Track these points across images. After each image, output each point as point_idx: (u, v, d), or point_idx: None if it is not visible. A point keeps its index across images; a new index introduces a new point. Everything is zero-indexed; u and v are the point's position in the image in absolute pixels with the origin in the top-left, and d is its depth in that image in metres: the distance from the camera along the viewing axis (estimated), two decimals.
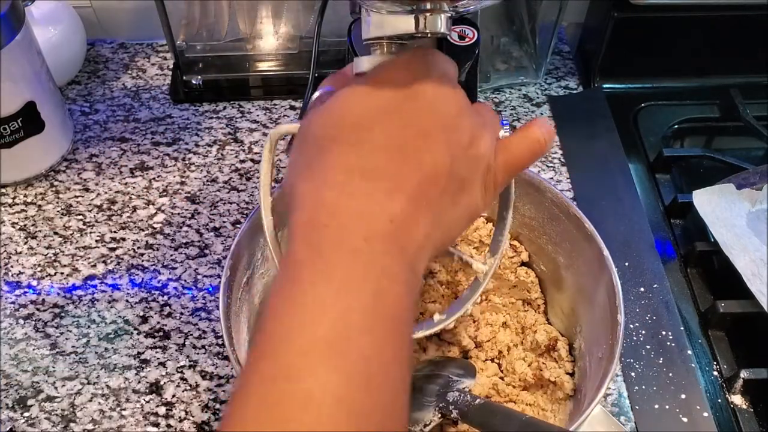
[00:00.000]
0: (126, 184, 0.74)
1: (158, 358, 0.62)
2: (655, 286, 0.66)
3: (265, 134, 0.79)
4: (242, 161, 0.76)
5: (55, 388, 0.60)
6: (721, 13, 0.81)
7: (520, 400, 0.54)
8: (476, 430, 0.48)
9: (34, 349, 0.62)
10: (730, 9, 0.81)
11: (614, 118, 0.82)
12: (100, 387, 0.60)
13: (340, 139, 0.35)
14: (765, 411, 0.60)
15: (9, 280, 0.66)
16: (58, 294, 0.66)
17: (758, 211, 0.69)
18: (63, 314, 0.64)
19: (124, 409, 0.58)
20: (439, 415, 0.48)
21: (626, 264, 0.68)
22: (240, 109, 0.82)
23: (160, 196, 0.73)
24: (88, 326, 0.63)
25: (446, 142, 0.35)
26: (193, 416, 0.58)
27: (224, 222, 0.71)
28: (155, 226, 0.71)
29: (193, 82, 0.83)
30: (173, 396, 0.59)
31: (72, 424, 0.58)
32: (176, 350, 0.62)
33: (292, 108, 0.82)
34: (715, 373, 0.62)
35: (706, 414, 0.58)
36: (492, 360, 0.57)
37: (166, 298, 0.65)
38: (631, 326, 0.64)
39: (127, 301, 0.65)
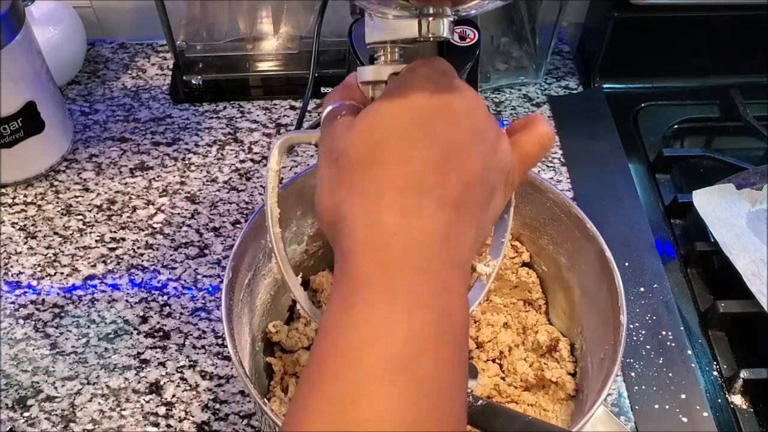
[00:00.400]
0: (126, 184, 0.74)
1: (158, 358, 0.61)
2: (655, 286, 0.66)
3: (265, 134, 0.79)
4: (242, 161, 0.76)
5: (55, 388, 0.60)
6: (721, 13, 0.81)
7: (521, 401, 0.54)
8: (478, 431, 0.48)
9: (34, 349, 0.62)
10: (730, 9, 0.81)
11: (614, 118, 0.82)
12: (100, 387, 0.60)
13: (383, 159, 0.34)
14: (765, 411, 0.60)
15: (9, 280, 0.66)
16: (58, 294, 0.65)
17: (758, 211, 0.69)
18: (63, 314, 0.64)
19: (124, 409, 0.58)
20: None
21: (626, 264, 0.68)
22: (240, 109, 0.82)
23: (160, 196, 0.73)
24: (88, 326, 0.63)
25: (479, 150, 0.36)
26: (193, 416, 0.58)
27: (224, 222, 0.71)
28: (155, 226, 0.71)
29: (193, 82, 0.83)
30: (173, 396, 0.59)
31: (72, 424, 0.58)
32: (176, 350, 0.62)
33: (292, 108, 0.82)
34: (715, 373, 0.62)
35: (706, 414, 0.59)
36: (493, 360, 0.57)
37: (166, 298, 0.65)
38: (631, 326, 0.64)
39: (127, 301, 0.65)
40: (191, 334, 0.63)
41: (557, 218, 0.55)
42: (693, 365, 0.61)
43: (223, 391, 0.60)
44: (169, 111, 0.81)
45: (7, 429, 0.57)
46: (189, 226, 0.71)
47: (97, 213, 0.72)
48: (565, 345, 0.56)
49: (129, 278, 0.67)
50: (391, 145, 0.34)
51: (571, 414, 0.52)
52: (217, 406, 0.59)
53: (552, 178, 0.76)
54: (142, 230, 0.70)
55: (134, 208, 0.72)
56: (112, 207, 0.72)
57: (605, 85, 0.86)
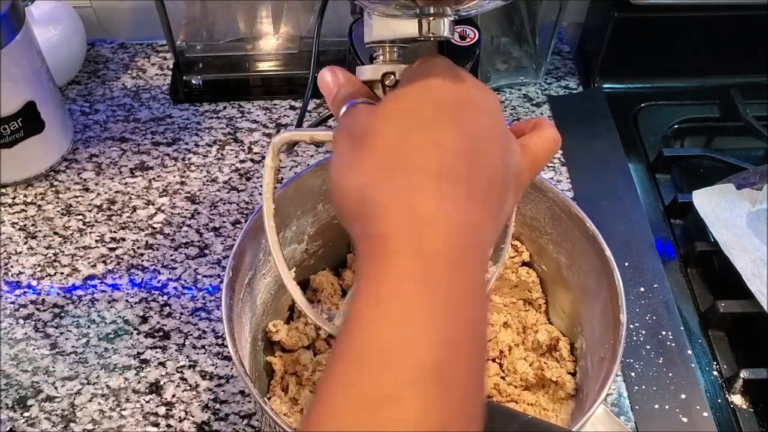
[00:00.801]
0: (126, 184, 0.74)
1: (158, 358, 0.61)
2: (655, 286, 0.66)
3: (265, 134, 0.79)
4: (242, 161, 0.76)
5: (55, 388, 0.60)
6: (721, 13, 0.81)
7: (521, 400, 0.54)
8: None
9: (34, 349, 0.62)
10: (730, 9, 0.81)
11: (614, 118, 0.82)
12: (100, 387, 0.60)
13: (415, 142, 0.33)
14: (765, 411, 0.60)
15: (9, 280, 0.66)
16: (58, 294, 0.66)
17: (758, 211, 0.69)
18: (63, 314, 0.64)
19: (124, 409, 0.58)
20: None
21: (626, 264, 0.68)
22: (240, 109, 0.82)
23: (160, 196, 0.73)
24: (88, 326, 0.63)
25: (498, 147, 0.35)
26: (193, 416, 0.58)
27: (224, 222, 0.71)
28: (155, 226, 0.71)
29: (193, 82, 0.83)
30: (173, 396, 0.59)
31: (72, 424, 0.58)
32: (176, 350, 0.62)
33: (292, 108, 0.82)
34: (715, 373, 0.62)
35: (706, 414, 0.59)
36: (493, 360, 0.57)
37: (166, 298, 0.65)
38: (631, 326, 0.64)
39: (127, 301, 0.65)
40: (191, 334, 0.63)
41: (557, 218, 0.55)
42: (693, 365, 0.61)
43: (223, 391, 0.60)
44: (169, 111, 0.81)
45: (7, 429, 0.57)
46: (189, 226, 0.71)
47: (97, 213, 0.72)
48: (565, 344, 0.56)
49: (129, 278, 0.67)
50: (422, 129, 0.33)
51: (571, 413, 0.52)
52: (217, 406, 0.59)
53: (552, 178, 0.76)
54: (142, 230, 0.70)
55: (134, 208, 0.72)
56: (112, 207, 0.72)
57: (605, 85, 0.86)
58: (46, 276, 0.67)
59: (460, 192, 0.32)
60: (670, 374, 0.61)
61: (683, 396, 0.59)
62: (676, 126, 0.83)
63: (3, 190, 0.73)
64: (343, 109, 0.38)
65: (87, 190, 0.74)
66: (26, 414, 0.58)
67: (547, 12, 0.81)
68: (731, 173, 0.73)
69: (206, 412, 0.59)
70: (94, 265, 0.68)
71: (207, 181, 0.75)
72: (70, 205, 0.72)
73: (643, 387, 0.60)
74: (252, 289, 0.53)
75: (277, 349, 0.57)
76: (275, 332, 0.56)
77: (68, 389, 0.60)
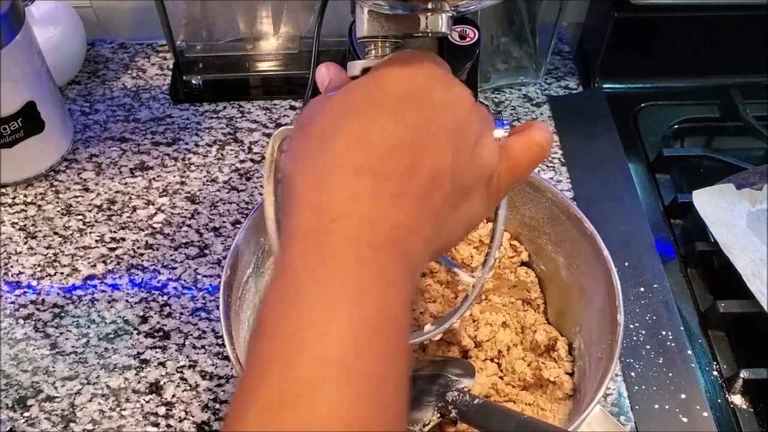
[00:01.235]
0: (126, 184, 0.74)
1: (158, 358, 0.62)
2: (655, 286, 0.66)
3: (265, 134, 0.79)
4: (242, 161, 0.76)
5: (55, 388, 0.60)
6: (721, 13, 0.81)
7: (519, 400, 0.54)
8: (475, 429, 0.48)
9: (34, 349, 0.62)
10: (730, 9, 0.80)
11: (614, 118, 0.82)
12: (100, 387, 0.60)
13: (346, 133, 0.32)
14: (765, 411, 0.60)
15: (9, 280, 0.66)
16: (58, 294, 0.66)
17: (758, 211, 0.69)
18: (63, 314, 0.64)
19: (124, 409, 0.58)
20: (438, 415, 0.48)
21: (626, 264, 0.68)
22: (240, 109, 0.82)
23: (160, 196, 0.73)
24: (88, 326, 0.63)
25: (453, 146, 0.33)
26: (193, 416, 0.58)
27: (224, 222, 0.71)
28: (155, 226, 0.71)
29: (193, 82, 0.83)
30: (173, 396, 0.59)
31: (72, 424, 0.58)
32: (176, 350, 0.62)
33: (292, 108, 0.82)
34: (715, 373, 0.62)
35: (706, 414, 0.58)
36: (491, 360, 0.57)
37: (166, 298, 0.65)
38: (631, 326, 0.64)
39: (127, 301, 0.65)
40: (191, 334, 0.63)
41: (556, 218, 0.55)
42: (693, 365, 0.61)
43: (223, 391, 0.60)
44: (169, 111, 0.81)
45: (7, 429, 0.57)
46: (189, 226, 0.71)
47: (97, 213, 0.72)
48: (563, 344, 0.56)
49: (129, 278, 0.67)
50: (355, 121, 0.33)
51: (569, 413, 0.52)
52: (217, 406, 0.59)
53: (552, 178, 0.76)
54: (142, 230, 0.70)
55: (134, 208, 0.72)
56: (112, 207, 0.72)
57: (605, 85, 0.86)
58: (46, 276, 0.67)
59: (384, 189, 0.31)
60: (670, 374, 0.61)
61: (683, 396, 0.59)
62: (676, 126, 0.83)
63: (3, 190, 0.73)
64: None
65: (87, 190, 0.74)
66: (26, 414, 0.58)
67: (547, 12, 0.81)
68: (731, 173, 0.73)
69: (206, 412, 0.59)
70: (94, 265, 0.68)
71: (207, 181, 0.75)
72: (70, 205, 0.72)
73: (643, 387, 0.60)
74: (251, 287, 0.53)
75: None
76: None
77: (68, 389, 0.60)
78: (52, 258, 0.68)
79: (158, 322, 0.64)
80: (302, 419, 0.27)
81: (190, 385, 0.60)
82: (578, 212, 0.53)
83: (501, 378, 0.56)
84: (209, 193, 0.73)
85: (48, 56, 0.72)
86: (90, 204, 0.72)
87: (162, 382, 0.60)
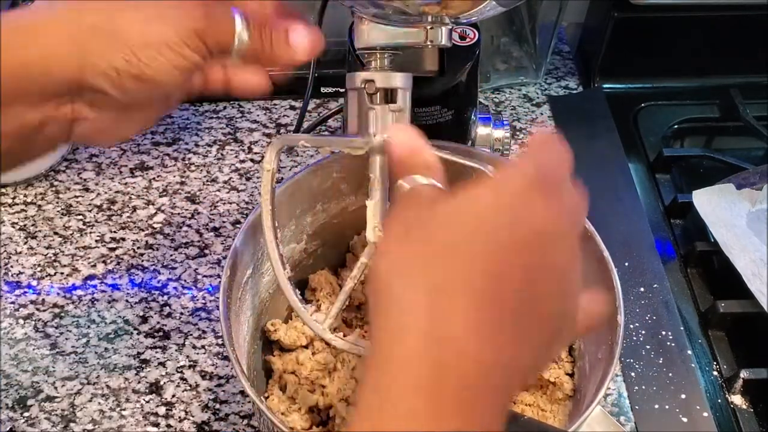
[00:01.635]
0: (126, 184, 0.74)
1: (158, 358, 0.62)
2: (655, 286, 0.66)
3: (265, 134, 0.79)
4: (242, 161, 0.76)
5: (55, 388, 0.60)
6: (721, 13, 0.81)
7: (519, 401, 0.54)
8: None
9: (34, 349, 0.62)
10: (730, 9, 0.81)
11: (614, 118, 0.82)
12: (100, 387, 0.60)
13: (477, 267, 0.29)
14: (765, 411, 0.60)
15: (9, 280, 0.66)
16: (58, 294, 0.66)
17: (758, 211, 0.69)
18: (63, 314, 0.64)
19: (124, 409, 0.58)
20: None
21: (626, 264, 0.68)
22: (240, 109, 0.82)
23: (160, 196, 0.73)
24: (88, 326, 0.63)
25: (563, 309, 0.32)
26: (193, 416, 0.58)
27: (224, 222, 0.71)
28: (155, 226, 0.71)
29: None
30: (173, 396, 0.59)
31: (72, 424, 0.58)
32: (176, 350, 0.62)
33: (292, 108, 0.82)
34: (715, 373, 0.62)
35: (706, 414, 0.58)
36: None
37: (166, 298, 0.65)
38: (631, 326, 0.64)
39: (127, 301, 0.65)
40: (191, 334, 0.63)
41: None
42: (693, 365, 0.61)
43: (223, 391, 0.60)
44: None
45: (7, 429, 0.57)
46: (189, 226, 0.71)
47: (97, 213, 0.72)
48: None
49: (129, 278, 0.67)
50: (484, 252, 0.30)
51: (569, 414, 0.52)
52: (217, 406, 0.59)
53: None
54: (142, 230, 0.70)
55: (134, 208, 0.72)
56: (112, 207, 0.72)
57: (605, 85, 0.86)
58: (46, 276, 0.67)
59: (500, 339, 0.30)
60: (670, 374, 0.61)
61: (683, 396, 0.59)
62: (676, 126, 0.83)
63: (3, 190, 0.73)
64: (405, 186, 0.35)
65: (87, 190, 0.74)
66: (26, 414, 0.58)
67: (547, 12, 0.81)
68: (731, 173, 0.73)
69: (206, 412, 0.59)
70: (94, 265, 0.68)
71: (207, 181, 0.75)
72: (70, 205, 0.72)
73: (643, 387, 0.60)
74: (250, 288, 0.53)
75: (275, 349, 0.57)
76: (273, 331, 0.56)
77: (68, 389, 0.60)
78: (52, 258, 0.68)
79: (158, 322, 0.64)
80: None
81: (190, 385, 0.60)
82: None
83: None
84: (209, 193, 0.74)
85: None
86: (90, 204, 0.72)
87: (162, 382, 0.60)
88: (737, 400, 0.60)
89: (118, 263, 0.68)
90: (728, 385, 0.61)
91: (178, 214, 0.72)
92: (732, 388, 0.61)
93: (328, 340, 0.46)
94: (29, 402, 0.59)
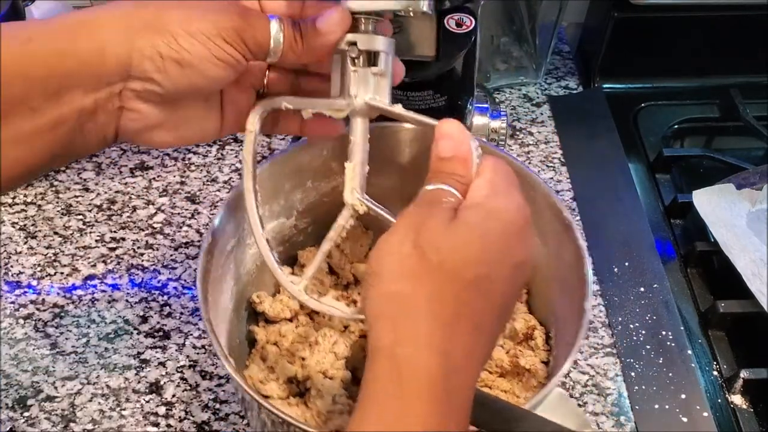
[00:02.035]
0: (126, 184, 0.74)
1: (158, 358, 0.62)
2: (655, 286, 0.66)
3: (265, 134, 0.79)
4: (242, 161, 0.76)
5: (55, 388, 0.60)
6: (721, 13, 0.81)
7: (496, 386, 0.55)
8: None
9: (34, 349, 0.62)
10: (730, 9, 0.81)
11: (614, 118, 0.82)
12: (100, 387, 0.60)
13: (476, 286, 0.34)
14: (765, 411, 0.60)
15: (9, 280, 0.66)
16: (58, 294, 0.66)
17: (758, 211, 0.69)
18: (63, 314, 0.64)
19: (124, 409, 0.58)
20: None
21: (626, 264, 0.68)
22: None
23: (160, 196, 0.73)
24: (88, 326, 0.63)
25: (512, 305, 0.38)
26: (193, 416, 0.58)
27: None
28: (155, 226, 0.71)
29: None
30: (173, 396, 0.59)
31: (72, 424, 0.58)
32: (176, 350, 0.62)
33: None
34: (715, 373, 0.62)
35: (706, 414, 0.58)
36: None
37: (166, 298, 0.65)
38: (631, 326, 0.64)
39: (127, 301, 0.65)
40: (191, 334, 0.63)
41: (541, 209, 0.55)
42: (693, 365, 0.61)
43: (224, 391, 0.60)
44: None
45: (7, 429, 0.57)
46: (189, 226, 0.71)
47: (97, 213, 0.72)
48: (541, 334, 0.56)
49: (129, 278, 0.67)
50: (485, 272, 0.34)
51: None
52: (217, 406, 0.59)
53: (552, 178, 0.76)
54: (142, 230, 0.70)
55: (134, 208, 0.72)
56: (112, 207, 0.72)
57: (605, 85, 0.86)
58: (46, 276, 0.67)
59: (485, 347, 0.35)
60: (670, 374, 0.61)
61: (683, 396, 0.59)
62: (676, 126, 0.83)
63: None
64: (429, 187, 0.38)
65: (87, 190, 0.74)
66: (26, 414, 0.58)
67: (547, 12, 0.81)
68: (731, 173, 0.73)
69: (206, 412, 0.59)
70: (94, 265, 0.68)
71: (207, 181, 0.75)
72: (70, 205, 0.72)
73: (643, 387, 0.60)
74: (235, 257, 0.54)
75: (261, 320, 0.58)
76: (259, 303, 0.57)
77: (68, 389, 0.60)
78: (52, 258, 0.68)
79: (158, 322, 0.64)
80: None
81: (190, 385, 0.60)
82: (559, 202, 0.53)
83: None
84: (209, 193, 0.74)
85: None
86: (90, 204, 0.72)
87: (162, 382, 0.60)
88: (737, 400, 0.60)
89: (118, 263, 0.68)
90: (728, 385, 0.61)
91: (178, 214, 0.72)
92: (732, 388, 0.61)
93: (302, 301, 0.46)
94: (29, 402, 0.59)
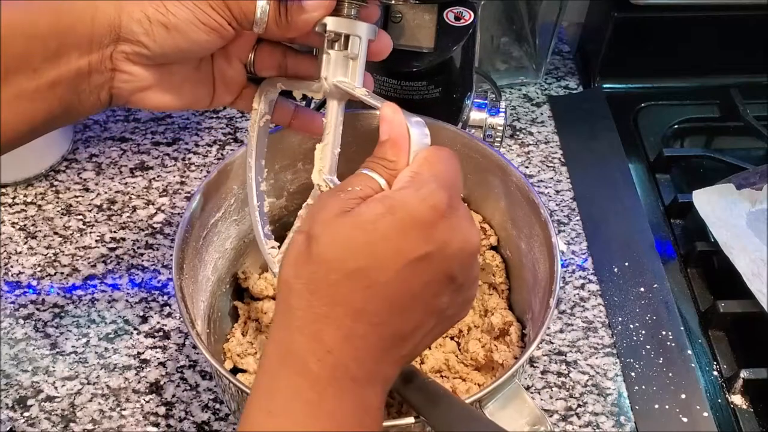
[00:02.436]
0: (126, 184, 0.74)
1: (158, 358, 0.62)
2: (655, 286, 0.66)
3: None
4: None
5: (55, 388, 0.60)
6: (721, 13, 0.81)
7: (469, 379, 0.55)
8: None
9: (34, 349, 0.62)
10: (730, 9, 0.81)
11: (614, 118, 0.82)
12: (100, 387, 0.60)
13: (359, 276, 0.35)
14: (765, 411, 0.60)
15: (9, 280, 0.66)
16: (58, 294, 0.66)
17: (758, 211, 0.69)
18: (63, 314, 0.64)
19: (124, 409, 0.58)
20: None
21: (626, 264, 0.68)
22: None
23: (160, 196, 0.73)
24: (88, 326, 0.63)
25: (441, 308, 0.38)
26: (193, 416, 0.58)
27: None
28: (155, 226, 0.71)
29: None
30: (173, 396, 0.59)
31: (72, 424, 0.58)
32: (176, 350, 0.62)
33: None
34: (715, 373, 0.62)
35: (706, 414, 0.59)
36: (452, 338, 0.58)
37: (166, 298, 0.65)
38: (631, 326, 0.64)
39: (127, 301, 0.65)
40: (191, 334, 0.63)
41: (519, 203, 0.55)
42: (693, 365, 0.61)
43: (224, 391, 0.60)
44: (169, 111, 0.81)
45: (7, 429, 0.57)
46: None
47: (97, 213, 0.72)
48: (516, 330, 0.56)
49: (129, 278, 0.67)
50: (365, 265, 0.35)
51: None
52: (217, 406, 0.59)
53: (552, 178, 0.76)
54: (142, 230, 0.70)
55: (134, 208, 0.72)
56: (112, 207, 0.72)
57: (605, 85, 0.86)
58: (46, 276, 0.67)
59: (374, 334, 0.35)
60: (670, 374, 0.61)
61: (683, 396, 0.59)
62: (676, 126, 0.83)
63: (3, 190, 0.73)
64: (348, 188, 0.37)
65: (87, 190, 0.74)
66: (26, 414, 0.58)
67: (547, 12, 0.81)
68: (731, 173, 0.73)
69: (206, 412, 0.59)
70: (94, 265, 0.68)
71: None
72: (70, 205, 0.72)
73: (643, 387, 0.60)
74: (219, 231, 0.55)
75: (246, 297, 0.59)
76: (244, 279, 0.58)
77: (68, 389, 0.60)
78: (52, 258, 0.68)
79: (158, 322, 0.64)
80: None
81: (190, 385, 0.60)
82: (536, 197, 0.53)
83: (456, 356, 0.57)
84: None
85: None
86: (90, 204, 0.72)
87: (162, 382, 0.60)
88: (737, 400, 0.60)
89: (118, 263, 0.68)
90: (728, 385, 0.61)
91: (178, 214, 0.72)
92: (732, 388, 0.61)
93: (275, 273, 0.48)
94: (29, 402, 0.59)
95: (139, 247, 0.69)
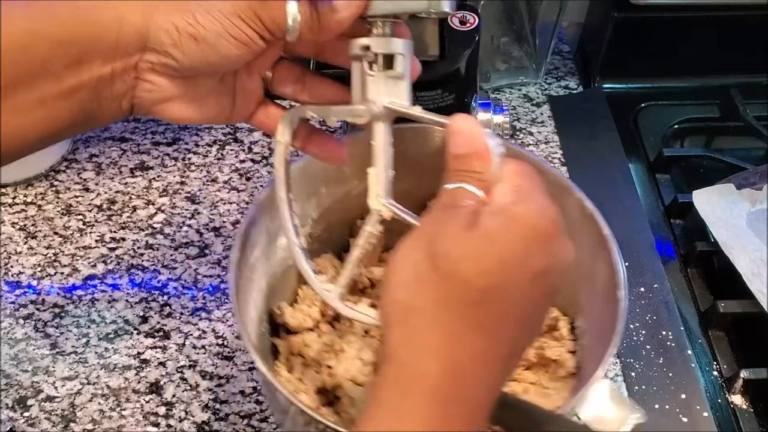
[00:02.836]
0: (126, 184, 0.74)
1: (158, 358, 0.62)
2: (655, 286, 0.66)
3: (265, 134, 0.79)
4: (242, 161, 0.76)
5: (55, 388, 0.60)
6: (721, 13, 0.81)
7: (522, 379, 0.54)
8: None
9: (34, 349, 0.62)
10: (730, 9, 0.81)
11: (614, 118, 0.82)
12: (100, 387, 0.60)
13: (492, 294, 0.34)
14: (765, 411, 0.60)
15: (9, 280, 0.66)
16: (58, 294, 0.66)
17: (758, 211, 0.69)
18: (63, 314, 0.64)
19: (124, 409, 0.58)
20: None
21: (626, 264, 0.67)
22: None
23: (160, 196, 0.73)
24: (88, 326, 0.63)
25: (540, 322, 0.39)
26: (193, 416, 0.58)
27: (224, 222, 0.71)
28: (155, 226, 0.71)
29: None
30: (173, 396, 0.59)
31: (72, 424, 0.58)
32: (176, 350, 0.62)
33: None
34: (715, 373, 0.62)
35: (706, 414, 0.59)
36: None
37: (166, 298, 0.65)
38: (631, 326, 0.64)
39: (127, 301, 0.65)
40: (191, 334, 0.63)
41: (557, 199, 0.55)
42: (693, 365, 0.61)
43: (223, 391, 0.60)
44: None
45: (7, 429, 0.57)
46: (189, 226, 0.71)
47: (97, 213, 0.72)
48: (565, 324, 0.55)
49: (129, 278, 0.67)
50: (497, 283, 0.34)
51: (572, 390, 0.52)
52: (217, 406, 0.59)
53: None
54: (142, 230, 0.70)
55: (134, 208, 0.72)
56: (112, 207, 0.72)
57: (605, 85, 0.86)
58: (46, 276, 0.67)
59: (500, 354, 0.35)
60: (670, 374, 0.61)
61: (683, 396, 0.60)
62: (676, 126, 0.83)
63: (3, 190, 0.73)
64: (449, 186, 0.37)
65: (87, 190, 0.74)
66: (26, 414, 0.58)
67: (547, 12, 0.81)
68: (731, 173, 0.73)
69: (206, 412, 0.59)
70: (94, 265, 0.68)
71: (207, 181, 0.75)
72: (70, 205, 0.72)
73: (643, 387, 0.60)
74: (258, 270, 0.53)
75: (281, 332, 0.57)
76: (280, 315, 0.56)
77: (68, 389, 0.60)
78: (52, 258, 0.68)
79: (158, 322, 0.64)
80: None
81: (190, 385, 0.60)
82: (579, 192, 0.53)
83: None
84: (209, 193, 0.74)
85: None
86: (90, 204, 0.72)
87: (162, 382, 0.60)
88: (737, 400, 0.60)
89: (118, 263, 0.68)
90: (728, 385, 0.61)
91: (178, 214, 0.72)
92: (732, 388, 0.61)
93: (337, 308, 0.45)
94: (29, 402, 0.59)
95: (139, 247, 0.69)
